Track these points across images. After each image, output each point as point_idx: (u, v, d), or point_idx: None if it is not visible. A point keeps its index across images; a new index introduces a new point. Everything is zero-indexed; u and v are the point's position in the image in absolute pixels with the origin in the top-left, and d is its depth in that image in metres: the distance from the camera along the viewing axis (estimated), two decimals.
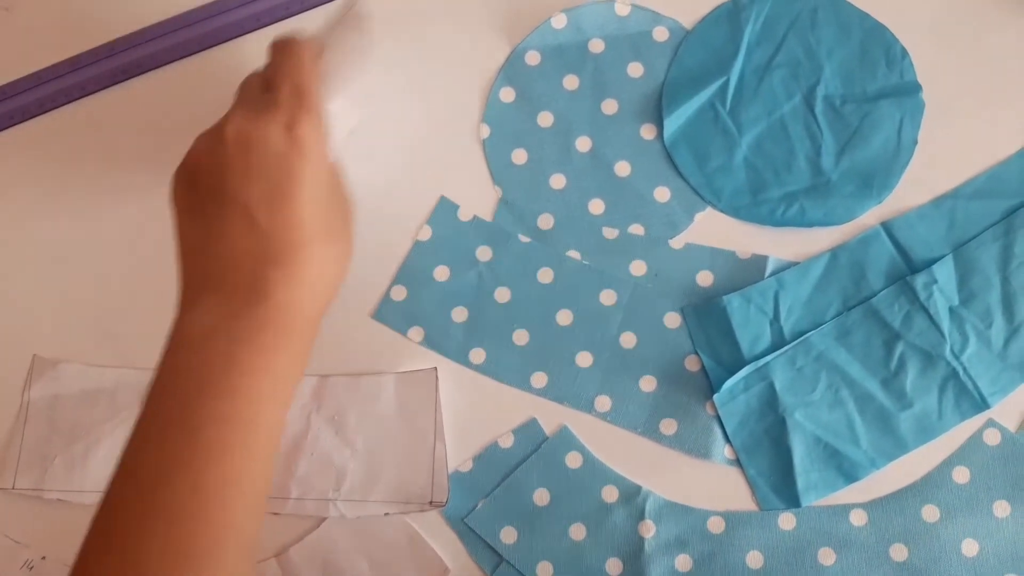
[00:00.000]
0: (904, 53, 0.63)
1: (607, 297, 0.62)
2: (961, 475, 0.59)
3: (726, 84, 0.64)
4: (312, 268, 0.46)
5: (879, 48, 0.64)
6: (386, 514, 0.59)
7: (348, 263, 0.49)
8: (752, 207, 0.62)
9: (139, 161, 0.67)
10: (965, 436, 0.59)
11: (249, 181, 0.45)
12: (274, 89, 0.48)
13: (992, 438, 0.59)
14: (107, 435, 0.62)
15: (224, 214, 0.45)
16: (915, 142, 0.62)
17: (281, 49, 0.51)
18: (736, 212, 0.62)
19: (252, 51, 0.67)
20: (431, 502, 0.59)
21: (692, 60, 0.65)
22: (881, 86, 0.63)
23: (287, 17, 0.67)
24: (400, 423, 0.61)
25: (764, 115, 0.63)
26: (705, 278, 0.62)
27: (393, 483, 0.60)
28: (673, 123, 0.63)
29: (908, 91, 0.63)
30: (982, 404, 0.59)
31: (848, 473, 0.59)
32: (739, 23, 0.65)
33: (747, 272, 0.62)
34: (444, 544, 0.60)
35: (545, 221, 0.64)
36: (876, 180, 0.62)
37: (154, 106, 0.68)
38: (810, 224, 0.62)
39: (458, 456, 0.61)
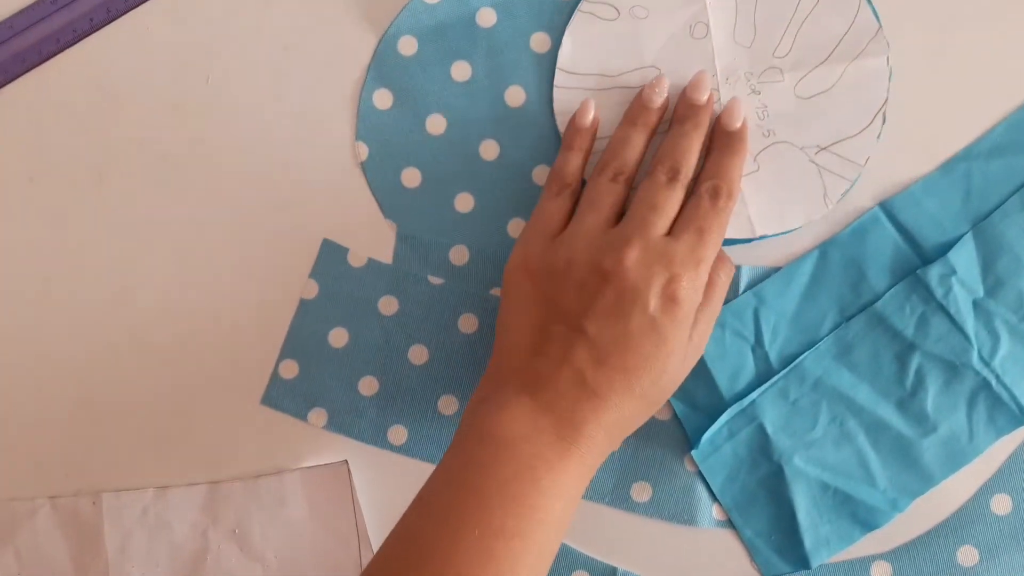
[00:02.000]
0: None
1: None
2: (1002, 505, 0.48)
3: None
4: (622, 413, 0.43)
5: None
6: None
7: (653, 412, 0.46)
8: None
9: None
10: (1004, 456, 0.49)
11: (609, 325, 0.43)
12: (673, 234, 0.45)
13: None
14: None
15: (571, 341, 0.43)
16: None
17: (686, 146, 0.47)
18: None
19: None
20: None
21: None
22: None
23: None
24: (315, 528, 0.50)
25: None
26: None
27: None
28: None
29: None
30: (1021, 416, 0.48)
31: (865, 521, 0.48)
32: None
33: None
34: None
35: (458, 255, 0.50)
36: None
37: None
38: None
39: None
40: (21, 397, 0.52)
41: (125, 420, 0.52)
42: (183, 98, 0.51)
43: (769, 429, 0.49)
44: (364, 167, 0.51)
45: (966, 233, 0.48)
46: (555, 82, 0.50)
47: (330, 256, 0.51)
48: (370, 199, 0.51)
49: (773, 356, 0.49)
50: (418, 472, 0.50)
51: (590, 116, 0.48)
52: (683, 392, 0.49)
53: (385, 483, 0.51)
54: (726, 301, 0.49)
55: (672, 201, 0.45)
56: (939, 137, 0.49)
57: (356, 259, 0.51)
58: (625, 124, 0.48)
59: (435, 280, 0.51)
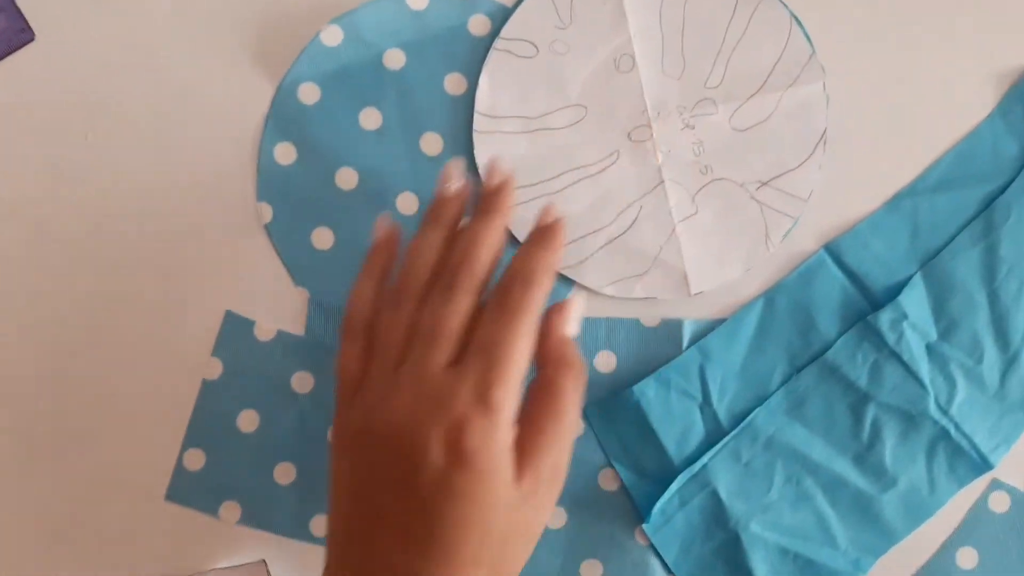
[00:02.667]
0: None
1: None
2: (968, 558, 0.46)
3: None
4: None
5: None
6: None
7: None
8: None
9: None
10: (966, 507, 0.47)
11: (401, 497, 0.34)
12: (458, 361, 0.35)
13: (1000, 504, 0.46)
14: None
15: (369, 524, 0.35)
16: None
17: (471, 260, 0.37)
18: None
19: None
20: None
21: None
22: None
23: None
24: None
25: None
26: (605, 361, 0.46)
27: None
28: None
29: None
30: (983, 464, 0.46)
31: None
32: None
33: (658, 345, 0.46)
34: None
35: None
36: None
37: None
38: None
39: None
40: None
41: (14, 522, 0.46)
42: (60, 158, 0.46)
43: (723, 494, 0.45)
44: (268, 229, 0.46)
45: (915, 274, 0.46)
46: (474, 127, 0.46)
47: (234, 330, 0.46)
48: (277, 264, 0.46)
49: (722, 414, 0.46)
50: None
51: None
52: (629, 459, 0.46)
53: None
54: (671, 358, 0.45)
55: (451, 320, 0.36)
56: (882, 170, 0.46)
57: (264, 332, 0.46)
58: (420, 228, 0.39)
59: None
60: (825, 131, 0.45)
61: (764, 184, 0.46)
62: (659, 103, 0.46)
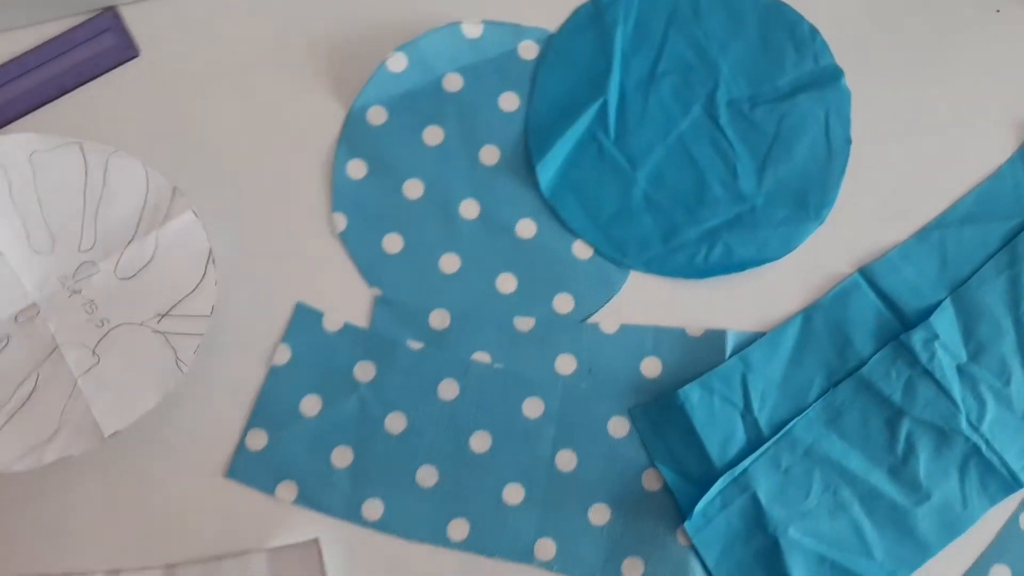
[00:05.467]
0: (814, 32, 0.51)
1: (532, 408, 0.48)
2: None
3: (604, 107, 0.50)
4: None
5: (782, 31, 0.51)
6: None
7: None
8: (666, 257, 0.49)
9: None
10: (999, 524, 0.48)
11: None
12: None
13: None
14: None
15: None
16: (848, 141, 0.50)
17: None
18: (648, 266, 0.50)
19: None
20: None
21: (556, 84, 0.51)
22: (794, 77, 0.51)
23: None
24: None
25: (659, 139, 0.50)
26: (651, 367, 0.49)
27: None
28: (548, 168, 0.50)
29: (827, 78, 0.51)
30: (1013, 483, 0.47)
31: None
32: (605, 28, 0.51)
33: (702, 353, 0.49)
34: None
35: (439, 318, 0.49)
36: (811, 197, 0.50)
37: None
38: (741, 266, 0.49)
39: None
40: None
41: (73, 494, 0.48)
42: (157, 163, 0.50)
43: (763, 499, 0.47)
44: (343, 237, 0.50)
45: (945, 299, 0.49)
46: None
47: (304, 320, 0.49)
48: (346, 266, 0.50)
49: (763, 423, 0.48)
50: (394, 549, 0.47)
51: None
52: (673, 460, 0.48)
53: (360, 563, 0.47)
54: (713, 367, 0.48)
55: None
56: (909, 202, 0.50)
57: (331, 323, 0.49)
58: None
59: (414, 345, 0.49)
60: (211, 250, 0.47)
61: (164, 315, 0.47)
62: (40, 281, 0.47)
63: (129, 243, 0.47)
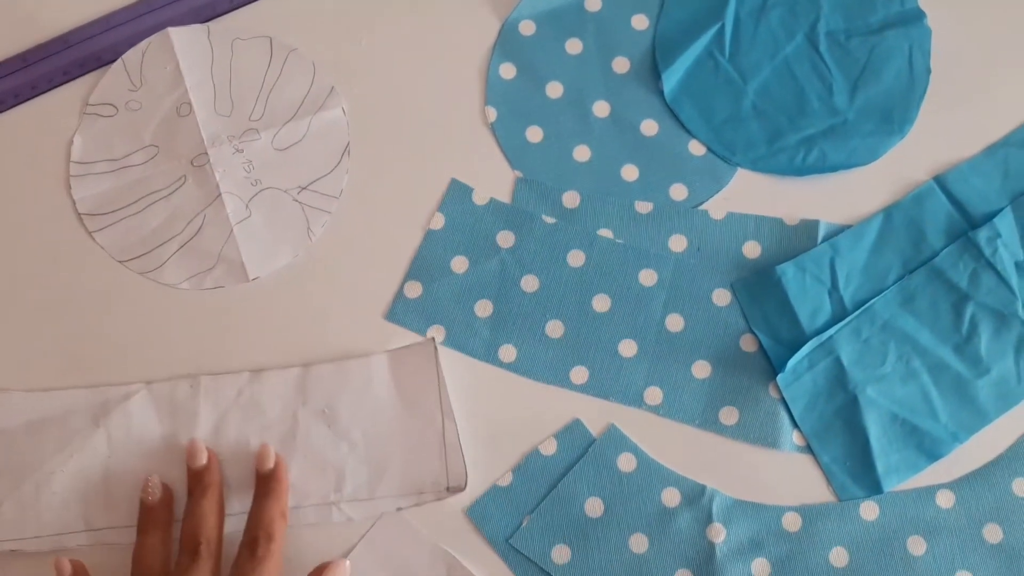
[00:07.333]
0: None
1: (647, 277, 0.56)
2: None
3: (721, 31, 0.59)
4: None
5: None
6: (399, 509, 0.52)
7: None
8: (769, 157, 0.58)
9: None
10: None
11: None
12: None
13: None
14: (59, 468, 0.52)
15: None
16: (928, 71, 0.59)
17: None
18: (753, 164, 0.58)
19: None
20: (448, 488, 0.52)
21: (681, 10, 0.60)
22: (883, 16, 0.60)
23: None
24: (400, 406, 0.53)
25: (767, 59, 0.59)
26: (752, 249, 0.56)
27: (402, 474, 0.52)
28: (672, 78, 0.59)
29: (912, 19, 0.60)
30: None
31: (930, 451, 0.53)
32: None
33: (797, 239, 0.56)
34: (488, 570, 0.52)
35: (571, 199, 0.57)
36: (895, 114, 0.58)
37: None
38: (834, 168, 0.57)
39: (495, 469, 0.53)
40: (121, 281, 0.56)
41: (228, 316, 0.56)
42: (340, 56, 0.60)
43: (845, 362, 0.54)
44: (493, 127, 0.58)
45: (1006, 206, 0.57)
46: (70, 172, 0.58)
47: (457, 193, 0.57)
48: (498, 153, 0.58)
49: (847, 300, 0.56)
50: (524, 388, 0.55)
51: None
52: (768, 326, 0.55)
53: (494, 397, 0.54)
54: (806, 251, 0.56)
55: None
56: (978, 124, 0.58)
57: (480, 198, 0.57)
58: (137, 537, 0.49)
59: (549, 220, 0.57)
60: (348, 144, 0.58)
61: (304, 188, 0.57)
62: (213, 136, 0.58)
63: (288, 122, 0.58)
